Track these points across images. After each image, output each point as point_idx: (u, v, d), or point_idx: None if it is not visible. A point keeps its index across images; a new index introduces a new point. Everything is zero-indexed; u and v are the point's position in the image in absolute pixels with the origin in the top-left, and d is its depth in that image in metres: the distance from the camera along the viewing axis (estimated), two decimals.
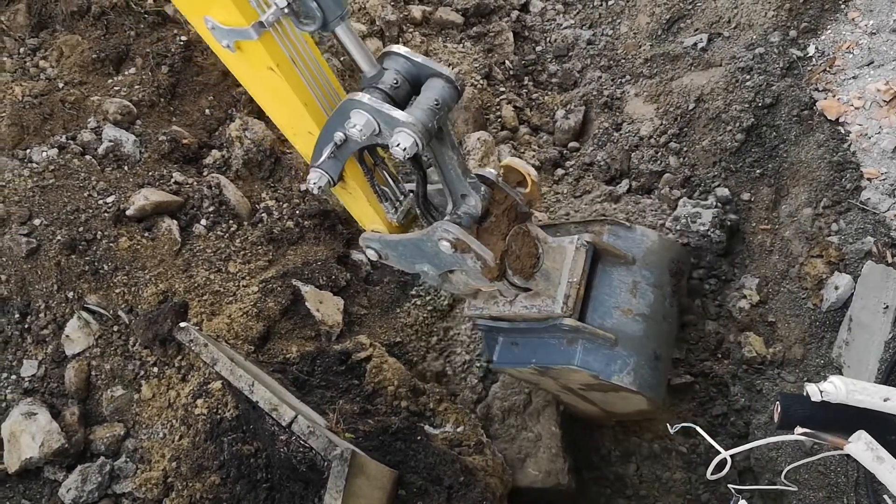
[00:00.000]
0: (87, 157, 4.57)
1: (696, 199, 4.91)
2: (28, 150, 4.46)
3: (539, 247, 3.54)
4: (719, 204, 4.81)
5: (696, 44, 5.44)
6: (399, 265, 3.49)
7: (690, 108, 5.19)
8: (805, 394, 2.56)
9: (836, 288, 4.25)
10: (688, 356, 4.61)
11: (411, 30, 5.78)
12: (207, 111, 5.16)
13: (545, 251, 3.57)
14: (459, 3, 6.06)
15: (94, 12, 5.01)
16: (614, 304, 3.65)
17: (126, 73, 5.01)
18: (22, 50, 4.88)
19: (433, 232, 3.19)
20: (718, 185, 4.92)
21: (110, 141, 4.64)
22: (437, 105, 2.86)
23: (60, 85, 4.79)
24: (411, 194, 3.33)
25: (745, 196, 4.88)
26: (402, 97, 2.92)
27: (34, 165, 4.40)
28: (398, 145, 2.77)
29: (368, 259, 3.62)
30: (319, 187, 3.08)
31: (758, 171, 4.90)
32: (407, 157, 2.79)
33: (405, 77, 2.92)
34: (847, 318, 4.14)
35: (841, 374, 4.09)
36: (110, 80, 4.94)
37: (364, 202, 3.29)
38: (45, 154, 4.46)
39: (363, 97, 2.79)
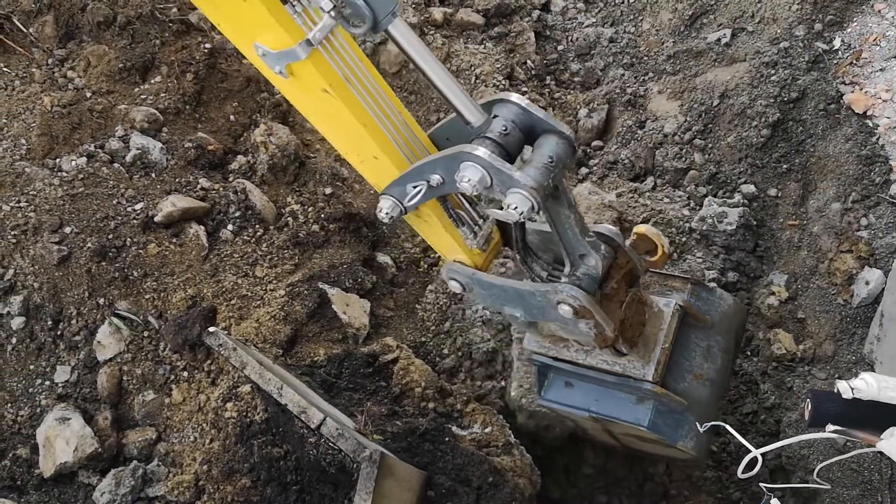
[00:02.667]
0: (116, 164, 4.63)
1: (722, 197, 4.87)
2: (58, 160, 4.54)
3: (647, 314, 3.45)
4: (746, 201, 4.77)
5: (719, 39, 5.41)
6: (484, 303, 3.39)
7: (715, 104, 5.16)
8: (836, 391, 2.53)
9: (867, 283, 4.20)
10: None
11: (432, 32, 5.80)
12: (232, 117, 5.21)
13: (648, 317, 3.48)
14: (480, 4, 6.06)
15: (119, 22, 5.08)
16: (688, 368, 3.58)
17: (152, 81, 5.07)
18: (50, 61, 4.96)
19: (553, 293, 3.02)
20: (745, 182, 4.88)
21: (137, 149, 4.70)
22: (551, 163, 2.71)
23: (88, 94, 4.87)
24: (490, 218, 3.19)
25: (772, 192, 4.84)
26: (514, 145, 2.79)
27: (64, 174, 4.48)
28: (514, 208, 2.64)
29: (451, 290, 3.41)
30: (391, 216, 2.96)
31: (784, 166, 4.86)
32: (522, 220, 2.67)
33: (517, 125, 2.79)
34: (878, 313, 4.09)
35: (873, 370, 4.04)
36: (137, 89, 5.01)
37: (441, 229, 3.13)
38: (74, 163, 4.53)
39: (483, 152, 2.64)
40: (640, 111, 5.54)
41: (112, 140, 4.71)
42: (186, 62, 5.11)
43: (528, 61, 5.95)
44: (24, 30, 4.98)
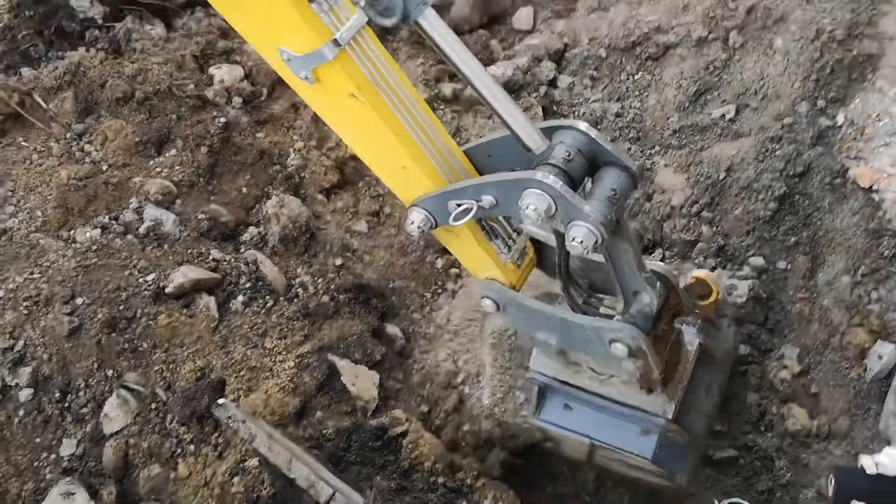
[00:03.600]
0: (129, 236, 4.68)
1: (732, 269, 4.88)
2: (72, 231, 4.59)
3: (682, 354, 3.41)
4: (755, 273, 4.77)
5: (724, 115, 5.50)
6: (516, 325, 3.28)
7: (721, 177, 5.21)
8: (860, 466, 2.49)
9: (880, 357, 4.17)
10: (730, 429, 4.50)
11: (442, 107, 5.92)
12: (245, 189, 5.28)
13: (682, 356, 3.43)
14: None
15: (137, 98, 5.21)
16: (692, 403, 3.58)
17: (167, 154, 5.17)
18: (68, 135, 5.07)
19: (609, 330, 2.94)
20: (753, 254, 4.90)
21: (151, 220, 4.76)
22: (615, 196, 2.65)
23: (104, 167, 4.95)
24: (524, 231, 3.07)
25: (781, 264, 4.85)
26: (577, 174, 2.69)
27: (78, 246, 4.52)
28: (579, 241, 2.57)
29: (483, 309, 3.26)
30: (421, 229, 2.86)
31: (792, 239, 4.88)
32: (585, 253, 2.59)
33: (581, 153, 2.69)
34: (893, 388, 4.04)
35: (889, 445, 3.97)
36: (152, 162, 5.10)
37: (473, 243, 3.00)
38: (88, 234, 4.58)
39: (554, 181, 2.55)
40: (648, 184, 5.60)
41: (126, 212, 4.78)
42: (201, 136, 5.21)
43: None
44: (45, 105, 5.11)
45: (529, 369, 3.66)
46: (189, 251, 4.74)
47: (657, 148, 5.74)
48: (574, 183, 2.65)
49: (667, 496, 4.15)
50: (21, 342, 4.14)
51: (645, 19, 6.09)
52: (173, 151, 5.20)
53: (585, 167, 2.72)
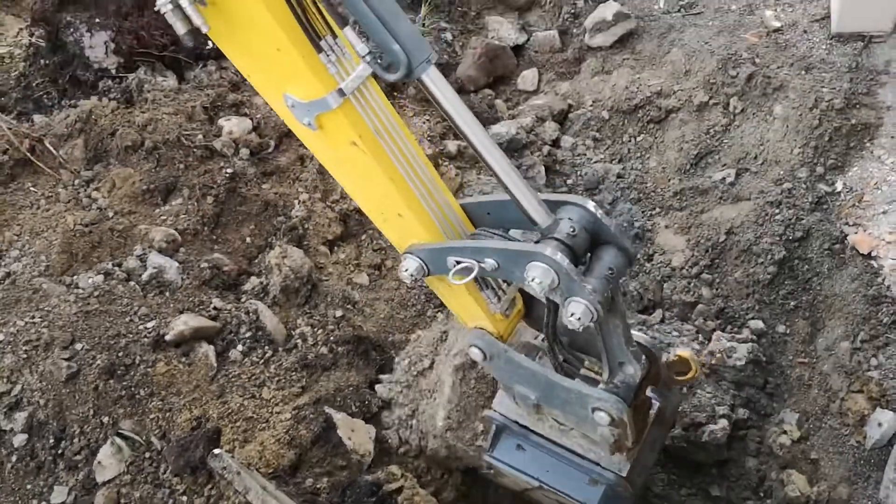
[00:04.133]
0: (132, 283, 4.71)
1: (731, 332, 4.89)
2: (75, 277, 4.62)
3: (649, 418, 3.49)
4: (754, 337, 4.78)
5: (724, 178, 5.57)
6: (500, 376, 3.31)
7: (721, 240, 5.26)
8: None
9: (880, 425, 4.15)
10: (728, 494, 4.46)
11: (446, 163, 6.00)
12: (248, 239, 5.32)
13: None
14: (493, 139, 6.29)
15: (147, 147, 5.29)
16: (638, 458, 3.62)
17: (173, 203, 5.22)
18: (77, 182, 5.14)
19: (595, 399, 3.02)
20: (753, 317, 4.91)
21: (154, 268, 4.78)
22: (611, 274, 2.75)
23: (110, 214, 5.00)
24: (513, 283, 3.12)
25: (781, 328, 4.86)
26: (579, 250, 2.77)
27: (80, 291, 4.54)
28: (576, 317, 2.65)
29: (470, 358, 3.32)
30: (414, 277, 2.90)
31: (792, 303, 4.90)
32: (580, 328, 2.67)
33: (586, 230, 2.78)
34: (893, 456, 4.01)
35: None
36: (158, 210, 5.15)
37: (464, 293, 3.05)
38: (91, 280, 4.61)
39: (561, 258, 2.64)
40: (648, 244, 5.64)
41: (130, 259, 4.81)
42: (208, 185, 5.28)
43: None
44: (55, 152, 5.18)
45: (492, 408, 3.71)
46: (190, 299, 4.76)
47: (658, 209, 5.80)
48: (576, 259, 2.74)
49: None
50: (18, 386, 4.13)
51: (647, 83, 6.22)
52: (179, 200, 5.25)
53: (587, 244, 2.81)
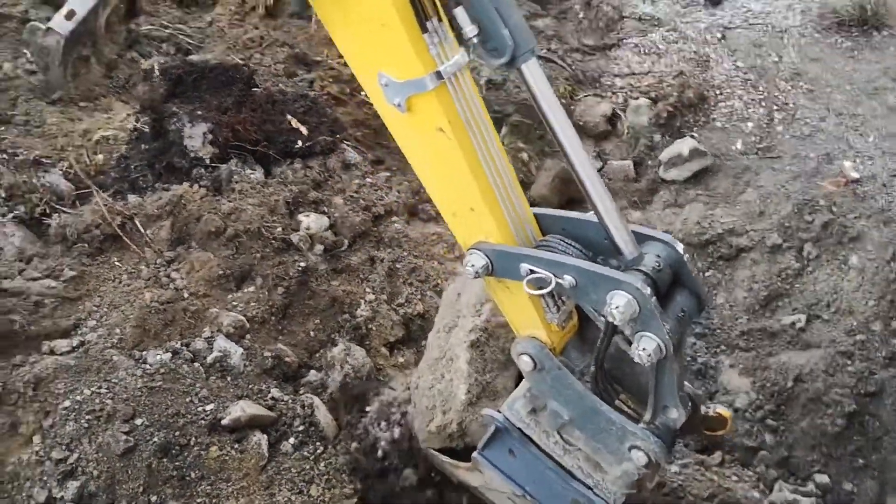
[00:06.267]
0: (196, 364, 4.80)
1: (794, 483, 4.70)
2: (145, 352, 4.73)
3: None
4: (819, 492, 4.58)
5: (794, 323, 5.49)
6: (540, 390, 3.23)
7: (788, 385, 5.14)
8: None
9: None
10: None
11: None
12: (312, 333, 5.41)
13: None
14: None
15: (228, 234, 5.50)
16: None
17: (246, 290, 5.37)
18: (158, 261, 5.34)
19: (637, 438, 2.97)
20: (818, 471, 4.73)
21: (220, 351, 4.88)
22: (683, 316, 2.75)
23: (186, 295, 5.16)
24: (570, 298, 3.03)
25: (847, 486, 4.66)
26: (662, 285, 2.74)
27: (147, 367, 4.65)
28: (646, 352, 2.64)
29: (519, 368, 3.20)
30: (476, 271, 2.86)
31: (860, 461, 4.71)
32: (647, 364, 2.66)
33: (671, 269, 2.76)
34: None
35: None
36: (230, 296, 5.30)
37: (525, 300, 2.97)
38: (159, 357, 4.72)
39: (650, 294, 2.59)
40: (711, 382, 5.54)
41: (198, 340, 4.92)
42: (280, 277, 5.43)
43: None
44: (143, 231, 5.42)
45: (498, 409, 3.60)
46: (250, 386, 4.82)
47: (723, 347, 5.72)
48: (658, 295, 2.69)
49: None
50: (75, 455, 4.19)
51: (720, 220, 6.26)
52: (252, 288, 5.40)
53: (668, 283, 2.77)
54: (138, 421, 4.35)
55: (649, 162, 7.14)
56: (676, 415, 2.99)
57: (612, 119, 7.39)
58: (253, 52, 7.13)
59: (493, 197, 2.82)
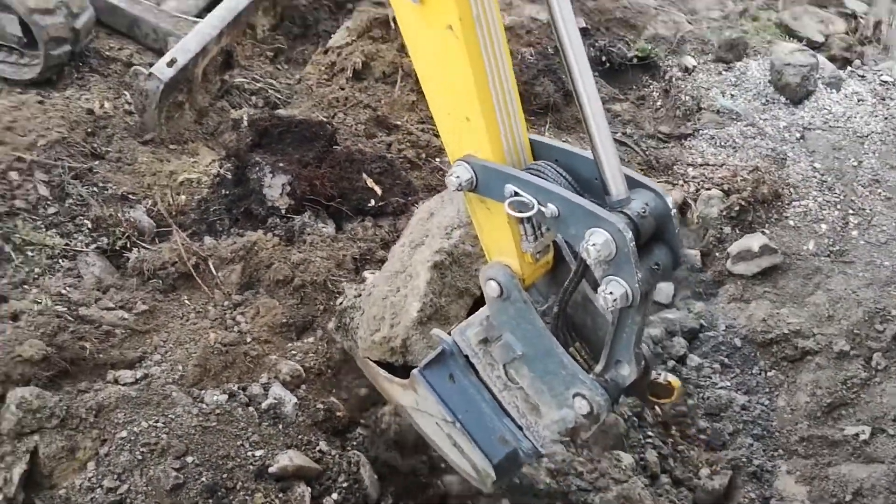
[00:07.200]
0: (251, 408, 4.87)
1: None
2: (203, 391, 4.84)
3: None
4: None
5: (857, 434, 5.32)
6: (498, 321, 3.13)
7: (847, 499, 4.96)
8: None
9: None
10: None
11: None
12: (364, 390, 5.45)
13: None
14: None
15: (295, 284, 5.63)
16: None
17: (306, 340, 5.47)
18: (226, 303, 5.50)
19: (583, 386, 2.92)
20: None
21: (275, 398, 4.95)
22: (657, 270, 2.71)
23: (248, 339, 5.28)
24: (552, 230, 2.96)
25: None
26: (644, 233, 2.69)
27: (204, 406, 4.74)
28: (612, 297, 2.59)
29: (485, 293, 3.09)
30: (460, 184, 2.79)
31: None
32: (612, 309, 2.62)
33: (654, 219, 2.71)
34: None
35: None
36: (290, 345, 5.40)
37: (504, 224, 2.90)
38: (216, 398, 4.81)
39: (631, 239, 2.54)
40: (766, 486, 5.37)
41: (255, 385, 5.01)
42: None
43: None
44: (215, 272, 5.61)
45: (448, 332, 3.52)
46: (300, 436, 4.86)
47: (781, 451, 5.56)
48: (637, 242, 2.62)
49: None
50: (126, 486, 4.27)
51: (786, 320, 6.15)
52: (312, 339, 5.49)
53: (650, 234, 2.72)
54: (189, 459, 4.43)
55: (717, 254, 7.08)
56: (628, 371, 2.94)
57: (683, 207, 7.38)
58: (337, 111, 7.38)
59: (492, 110, 2.75)
